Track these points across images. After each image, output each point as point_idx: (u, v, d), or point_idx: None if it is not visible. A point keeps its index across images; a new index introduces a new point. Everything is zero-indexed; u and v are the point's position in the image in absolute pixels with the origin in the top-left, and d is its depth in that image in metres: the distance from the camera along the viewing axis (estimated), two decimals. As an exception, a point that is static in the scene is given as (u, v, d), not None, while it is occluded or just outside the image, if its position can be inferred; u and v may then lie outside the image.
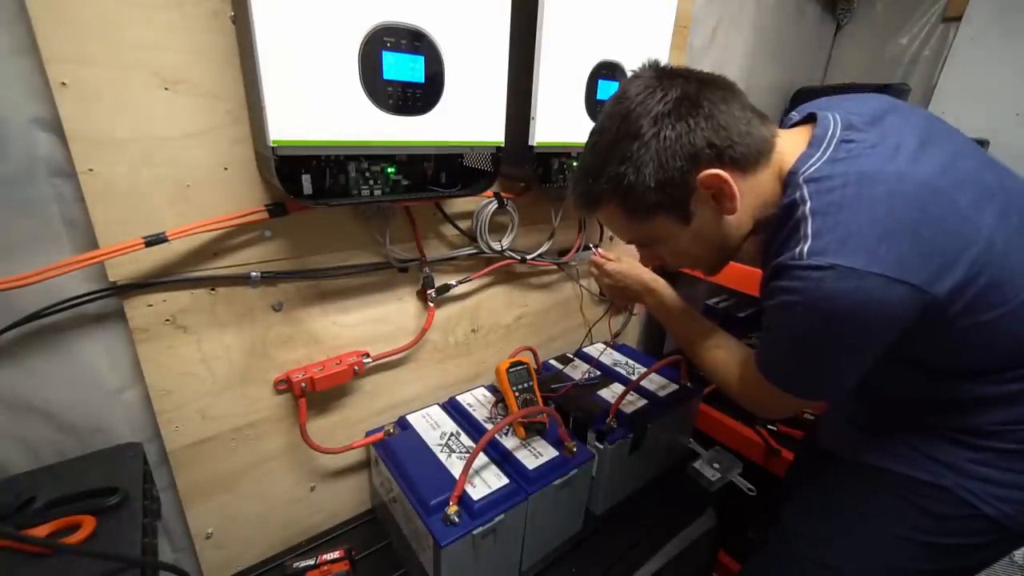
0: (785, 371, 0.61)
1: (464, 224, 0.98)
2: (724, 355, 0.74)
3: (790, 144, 0.59)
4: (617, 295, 0.89)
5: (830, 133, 0.56)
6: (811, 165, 0.54)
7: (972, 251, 0.51)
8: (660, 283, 0.85)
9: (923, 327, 0.53)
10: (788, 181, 0.56)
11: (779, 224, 0.57)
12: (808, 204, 0.52)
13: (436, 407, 1.02)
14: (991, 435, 0.60)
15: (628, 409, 1.02)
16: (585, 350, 1.28)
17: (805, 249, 0.51)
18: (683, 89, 0.55)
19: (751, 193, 0.58)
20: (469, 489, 0.79)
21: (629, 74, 0.61)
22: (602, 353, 1.27)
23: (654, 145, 0.55)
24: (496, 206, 0.97)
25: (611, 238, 1.31)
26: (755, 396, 0.68)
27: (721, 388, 0.74)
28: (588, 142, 0.62)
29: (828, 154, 0.54)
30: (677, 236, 0.62)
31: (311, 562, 0.81)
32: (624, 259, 0.89)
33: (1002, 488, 0.60)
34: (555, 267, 1.20)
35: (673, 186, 0.56)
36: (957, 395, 0.61)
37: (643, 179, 0.56)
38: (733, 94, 0.57)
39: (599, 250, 0.92)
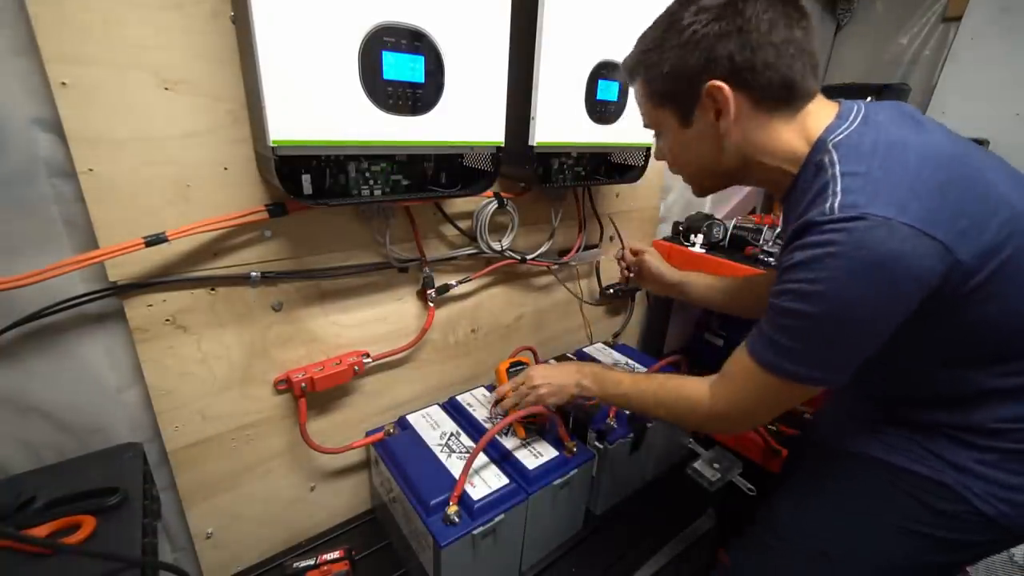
0: (789, 349, 0.56)
1: (464, 224, 0.98)
2: (683, 382, 0.70)
3: (822, 112, 0.58)
4: (557, 397, 0.83)
5: (856, 109, 0.57)
6: (840, 132, 0.55)
7: (999, 217, 0.51)
8: (587, 364, 0.84)
9: (940, 303, 0.52)
10: (816, 146, 0.56)
11: (804, 186, 0.56)
12: (837, 166, 0.52)
13: (436, 407, 1.02)
14: (995, 434, 0.60)
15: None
16: (585, 350, 1.28)
17: (836, 204, 0.50)
18: None
19: (759, 130, 0.58)
20: (469, 489, 0.79)
21: None
22: (602, 353, 1.27)
23: (684, 37, 0.56)
24: (496, 206, 0.97)
25: (612, 238, 1.31)
26: (734, 400, 0.64)
27: (685, 419, 0.71)
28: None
29: (855, 125, 0.55)
30: (675, 135, 0.64)
31: (311, 562, 0.81)
32: (536, 366, 0.88)
33: (1003, 489, 0.60)
34: (555, 267, 1.20)
35: (682, 83, 0.58)
36: (962, 389, 0.61)
37: (662, 65, 0.58)
38: (792, 26, 0.54)
39: (499, 389, 0.90)
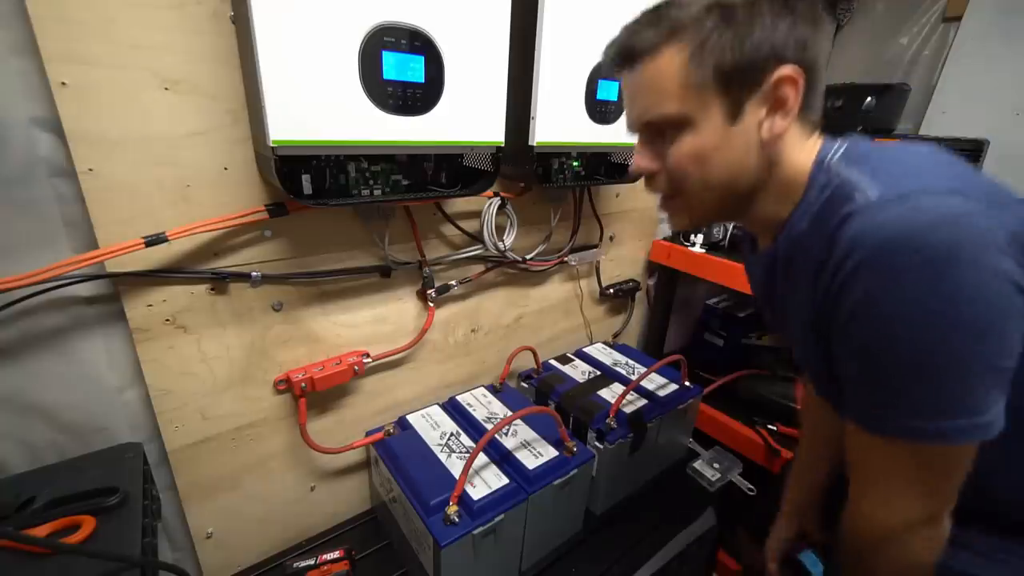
0: (903, 396, 0.43)
1: (464, 224, 0.98)
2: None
3: (808, 147, 0.52)
4: None
5: (840, 137, 0.52)
6: (835, 151, 0.50)
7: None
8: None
9: None
10: (814, 173, 0.50)
11: (805, 209, 0.50)
12: (845, 174, 0.47)
13: (436, 407, 1.02)
14: None
15: (628, 409, 1.02)
16: (585, 350, 1.28)
17: (869, 194, 0.43)
18: None
19: (791, 143, 0.51)
20: (469, 489, 0.79)
21: None
22: (602, 353, 1.27)
23: (765, 5, 0.46)
24: (499, 205, 0.97)
25: (612, 237, 1.31)
26: (874, 499, 0.50)
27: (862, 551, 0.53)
28: None
29: (847, 143, 0.51)
30: (711, 131, 0.50)
31: (311, 562, 0.81)
32: None
33: None
34: (555, 267, 1.20)
35: (754, 63, 0.47)
36: None
37: (732, 36, 0.47)
38: (830, 41, 0.50)
39: None
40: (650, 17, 0.50)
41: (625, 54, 0.52)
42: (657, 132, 0.53)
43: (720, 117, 0.49)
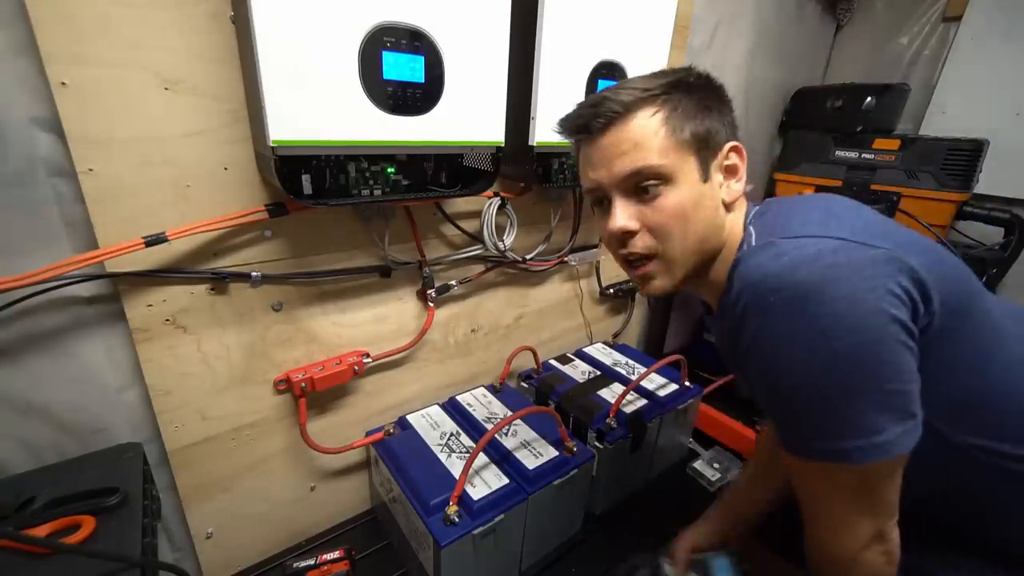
0: (802, 421, 0.47)
1: (464, 224, 0.98)
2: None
3: (743, 213, 0.60)
4: None
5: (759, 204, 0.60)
6: (752, 212, 0.59)
7: (923, 250, 0.48)
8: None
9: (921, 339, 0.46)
10: (741, 237, 0.57)
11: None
12: (749, 229, 0.55)
13: (436, 407, 1.02)
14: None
15: (628, 409, 1.02)
16: (585, 350, 1.28)
17: (752, 242, 0.52)
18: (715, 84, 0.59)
19: (733, 213, 0.59)
20: (469, 489, 0.79)
21: (629, 75, 0.62)
22: (602, 353, 1.27)
23: (722, 91, 0.58)
24: (499, 204, 0.97)
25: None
26: (828, 524, 0.52)
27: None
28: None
29: (760, 206, 0.59)
30: (690, 186, 0.54)
31: (311, 562, 0.81)
32: None
33: None
34: (555, 267, 1.20)
35: (711, 131, 0.55)
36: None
37: (710, 105, 0.56)
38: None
39: None
40: (616, 89, 0.56)
41: (602, 115, 0.55)
42: (636, 190, 0.55)
43: (696, 174, 0.55)
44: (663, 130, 0.53)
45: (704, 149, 0.55)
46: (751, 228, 0.55)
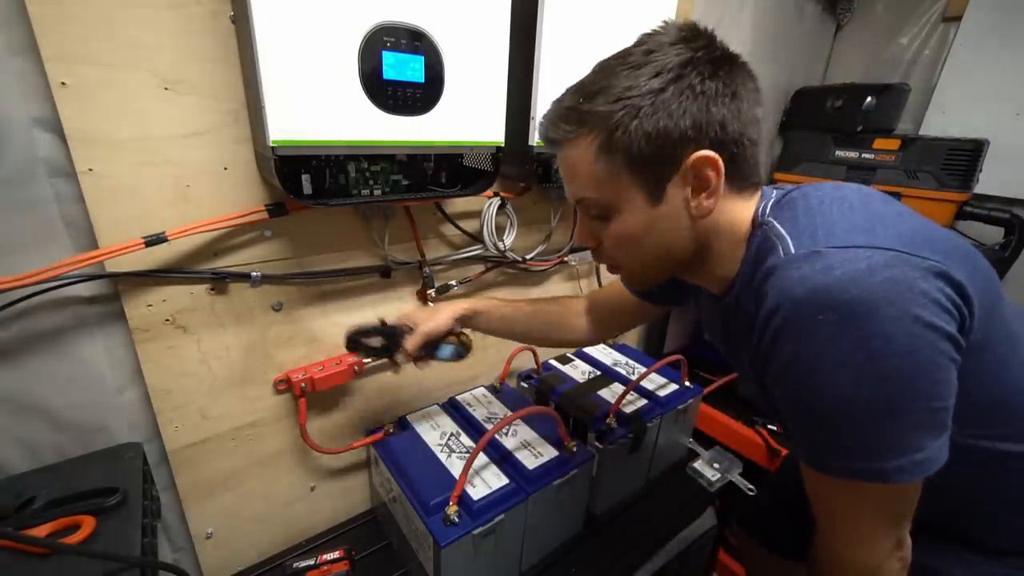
0: (841, 441, 0.45)
1: (464, 224, 0.98)
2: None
3: (747, 208, 0.54)
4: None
5: (775, 188, 0.55)
6: (766, 204, 0.52)
7: (963, 258, 0.46)
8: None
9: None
10: (750, 233, 0.52)
11: (746, 270, 0.52)
12: (769, 227, 0.49)
13: (436, 407, 1.02)
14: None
15: (628, 409, 1.02)
16: (585, 350, 1.28)
17: (788, 248, 0.45)
18: (726, 53, 0.49)
19: (727, 212, 0.52)
20: (469, 489, 0.79)
21: None
22: (602, 353, 1.27)
23: (669, 92, 0.46)
24: (499, 204, 0.97)
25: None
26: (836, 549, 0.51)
27: None
28: (599, 63, 0.52)
29: (777, 193, 0.53)
30: (634, 214, 0.51)
31: (311, 562, 0.81)
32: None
33: None
34: (555, 267, 1.20)
35: (668, 148, 0.47)
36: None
37: (639, 125, 0.47)
38: (760, 103, 0.51)
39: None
40: (567, 108, 0.51)
41: (549, 140, 0.54)
42: (589, 209, 0.55)
43: (642, 200, 0.50)
44: (599, 162, 0.50)
45: (652, 170, 0.49)
46: (777, 226, 0.48)
